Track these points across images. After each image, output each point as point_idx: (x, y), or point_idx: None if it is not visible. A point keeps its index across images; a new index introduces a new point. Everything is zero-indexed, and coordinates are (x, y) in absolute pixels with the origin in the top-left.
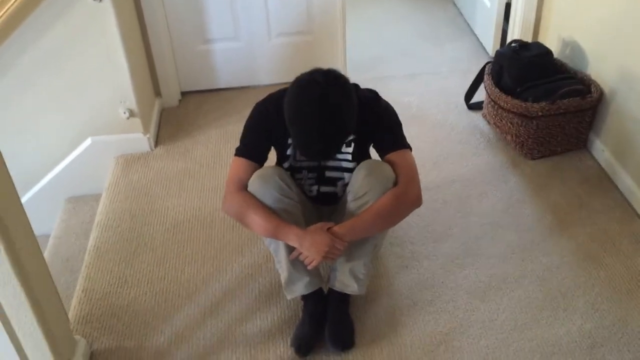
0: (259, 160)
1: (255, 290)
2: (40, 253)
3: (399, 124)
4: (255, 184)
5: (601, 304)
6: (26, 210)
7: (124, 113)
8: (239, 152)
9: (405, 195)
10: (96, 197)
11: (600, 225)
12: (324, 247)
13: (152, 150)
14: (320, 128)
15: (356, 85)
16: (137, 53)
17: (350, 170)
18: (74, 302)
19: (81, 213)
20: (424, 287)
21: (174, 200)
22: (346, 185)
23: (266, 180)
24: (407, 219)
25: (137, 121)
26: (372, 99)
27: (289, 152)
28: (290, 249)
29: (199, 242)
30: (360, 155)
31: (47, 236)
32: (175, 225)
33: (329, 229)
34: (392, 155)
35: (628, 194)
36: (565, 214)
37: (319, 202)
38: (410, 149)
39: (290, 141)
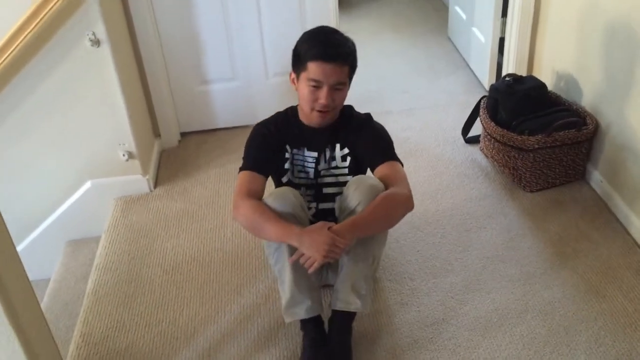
0: (263, 172)
1: (254, 332)
2: (36, 300)
3: (390, 141)
4: (270, 199)
5: (605, 338)
6: (26, 255)
7: (123, 155)
8: (244, 167)
9: (396, 194)
10: (96, 240)
11: (601, 257)
12: (324, 245)
13: (151, 191)
14: (330, 34)
15: (351, 107)
16: (135, 95)
17: None
18: (72, 347)
19: (81, 256)
20: (424, 325)
21: (172, 241)
22: None
23: (283, 198)
24: (405, 254)
25: (136, 163)
26: (366, 118)
27: (287, 166)
28: (295, 269)
29: (197, 283)
30: (356, 172)
31: (48, 280)
32: (173, 267)
33: (329, 227)
34: (382, 167)
35: (627, 224)
36: (566, 246)
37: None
38: (402, 163)
39: (287, 156)
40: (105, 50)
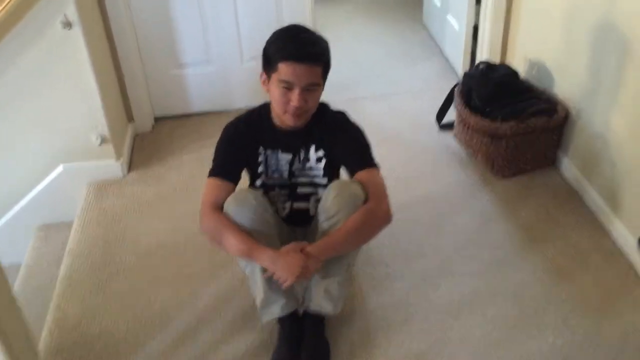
0: (232, 179)
1: (229, 316)
2: (8, 285)
3: (367, 144)
4: (231, 206)
5: (572, 319)
6: None
7: (96, 139)
8: (213, 173)
9: (375, 212)
10: (68, 225)
11: (570, 241)
12: (297, 268)
13: (124, 176)
14: (301, 33)
15: (326, 105)
16: (108, 79)
17: (323, 186)
18: (44, 333)
19: (53, 241)
20: (398, 307)
21: (146, 226)
22: (319, 201)
23: (242, 203)
24: (380, 239)
25: (109, 147)
26: (341, 119)
27: (260, 169)
28: (265, 271)
29: (172, 268)
30: (331, 172)
31: (19, 265)
32: (147, 252)
33: (302, 249)
34: (361, 174)
35: (596, 210)
36: (536, 231)
37: (292, 221)
38: (379, 168)
39: (261, 158)
40: (77, 32)
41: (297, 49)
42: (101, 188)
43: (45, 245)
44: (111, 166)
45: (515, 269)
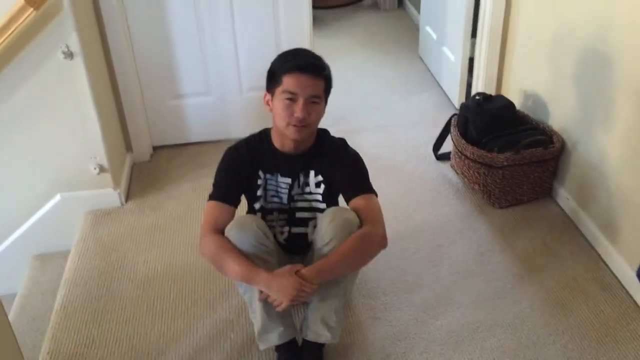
0: (232, 202)
1: (227, 347)
2: (4, 315)
3: (365, 171)
4: (233, 231)
5: (572, 351)
6: None
7: (94, 169)
8: (213, 197)
9: (370, 235)
10: (64, 254)
11: (568, 272)
12: (291, 290)
13: (122, 205)
14: (304, 51)
15: (326, 131)
16: (108, 108)
17: (321, 211)
18: None
19: (49, 271)
20: (396, 339)
21: (144, 256)
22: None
23: (244, 228)
24: (378, 269)
25: (107, 176)
26: (341, 145)
27: (259, 192)
28: (261, 293)
29: (169, 298)
30: (330, 197)
31: (14, 295)
32: (145, 282)
33: (297, 272)
34: (357, 200)
35: (592, 240)
36: (533, 261)
37: (290, 247)
38: (376, 194)
39: (260, 182)
40: (79, 62)
41: (301, 62)
42: (99, 217)
43: (41, 274)
44: (109, 195)
45: (513, 300)
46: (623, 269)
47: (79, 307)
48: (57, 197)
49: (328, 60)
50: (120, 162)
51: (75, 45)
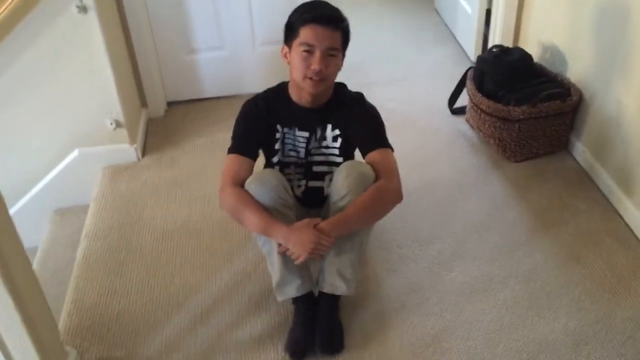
0: (251, 155)
1: (245, 297)
2: (30, 266)
3: (382, 125)
4: (253, 185)
5: (584, 302)
6: (14, 223)
7: (111, 124)
8: (232, 149)
9: (385, 189)
10: (84, 209)
11: (582, 225)
12: (309, 244)
13: (139, 160)
14: (322, 3)
15: (344, 85)
16: (122, 64)
17: (338, 165)
18: (64, 313)
19: (69, 224)
20: (411, 290)
21: (162, 210)
22: None
23: (264, 182)
24: (393, 222)
25: (123, 132)
26: (358, 99)
27: (277, 146)
28: (280, 246)
29: (187, 251)
30: (347, 151)
31: (35, 249)
32: (163, 235)
33: (315, 225)
34: (373, 154)
35: (608, 193)
36: (548, 215)
37: (307, 201)
38: (392, 149)
39: (278, 135)
40: (92, 17)
41: (319, 13)
42: (116, 172)
43: (61, 228)
44: (126, 151)
45: (527, 253)
46: (638, 221)
47: (100, 259)
48: (75, 152)
49: (344, 13)
50: (135, 117)
51: None
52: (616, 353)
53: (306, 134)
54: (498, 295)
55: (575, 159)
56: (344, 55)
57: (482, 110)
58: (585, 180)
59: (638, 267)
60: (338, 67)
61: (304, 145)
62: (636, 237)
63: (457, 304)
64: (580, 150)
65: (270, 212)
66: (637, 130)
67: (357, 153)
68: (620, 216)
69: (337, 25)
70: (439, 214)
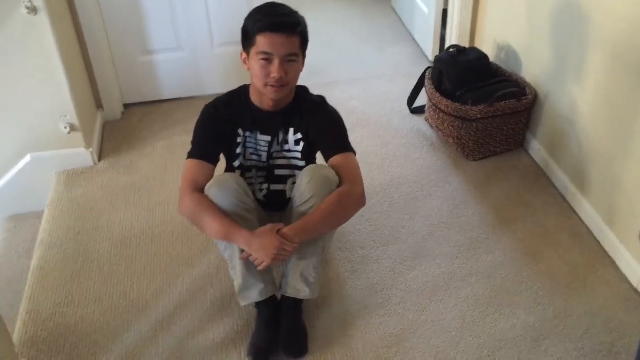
0: (212, 160)
1: (207, 302)
2: None
3: (344, 129)
4: (213, 189)
5: (543, 297)
6: None
7: (65, 128)
8: (192, 154)
9: (349, 194)
10: (38, 215)
11: (540, 222)
12: (272, 250)
13: (95, 164)
14: (277, 7)
15: (306, 88)
16: (76, 66)
17: (300, 169)
18: (19, 324)
19: (23, 232)
20: (374, 291)
21: (120, 215)
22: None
23: (224, 186)
24: (355, 223)
25: (78, 135)
26: (320, 102)
27: (238, 150)
28: (243, 252)
29: (147, 257)
30: (309, 155)
31: None
32: (122, 241)
33: (278, 231)
34: (336, 158)
35: (563, 190)
36: (507, 212)
37: (269, 204)
38: (355, 153)
39: (239, 139)
40: (43, 18)
41: (274, 20)
42: (71, 177)
43: (15, 236)
44: (81, 155)
45: (487, 250)
46: (592, 218)
47: (56, 267)
48: (28, 158)
49: (301, 12)
50: (91, 120)
51: (38, 0)
52: (574, 347)
53: (268, 138)
54: (459, 293)
55: (531, 157)
56: (304, 57)
57: (441, 109)
58: (541, 178)
59: (592, 262)
60: (299, 71)
61: (266, 149)
62: (591, 233)
63: (419, 303)
64: (536, 149)
65: (231, 217)
66: (589, 129)
67: (320, 157)
68: (575, 213)
69: (293, 31)
70: (400, 213)
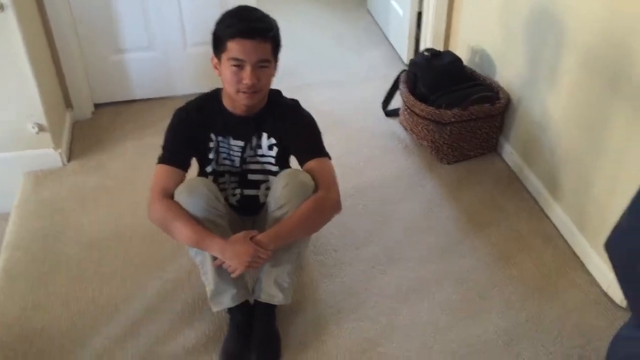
0: (182, 166)
1: (178, 307)
2: None
3: (318, 133)
4: (183, 195)
5: (515, 302)
6: None
7: (33, 128)
8: (162, 159)
9: (324, 200)
10: (4, 217)
11: (512, 226)
12: (246, 257)
13: (64, 165)
14: (248, 12)
15: (279, 92)
16: (44, 64)
17: (274, 174)
18: None
19: None
20: (347, 295)
21: (89, 217)
22: (269, 188)
23: (194, 191)
24: (329, 226)
25: (47, 136)
26: (294, 106)
27: (211, 156)
28: (216, 259)
29: (117, 260)
30: (283, 160)
31: None
32: (91, 243)
33: (252, 237)
34: (311, 163)
35: (536, 194)
36: (480, 216)
37: (242, 209)
38: (330, 157)
39: (212, 145)
40: (10, 15)
41: (245, 26)
42: (39, 178)
43: None
44: (49, 155)
45: (460, 254)
46: (564, 222)
47: (22, 270)
48: None
49: (274, 14)
50: (60, 120)
51: None
52: (545, 352)
53: (241, 143)
54: (433, 297)
55: (505, 161)
56: (277, 62)
57: (415, 113)
58: (515, 182)
59: (563, 266)
60: (271, 76)
61: (239, 154)
62: (562, 238)
63: (392, 307)
64: (509, 152)
65: (202, 223)
66: (561, 134)
67: (293, 161)
68: (547, 217)
69: (265, 36)
70: (374, 216)
